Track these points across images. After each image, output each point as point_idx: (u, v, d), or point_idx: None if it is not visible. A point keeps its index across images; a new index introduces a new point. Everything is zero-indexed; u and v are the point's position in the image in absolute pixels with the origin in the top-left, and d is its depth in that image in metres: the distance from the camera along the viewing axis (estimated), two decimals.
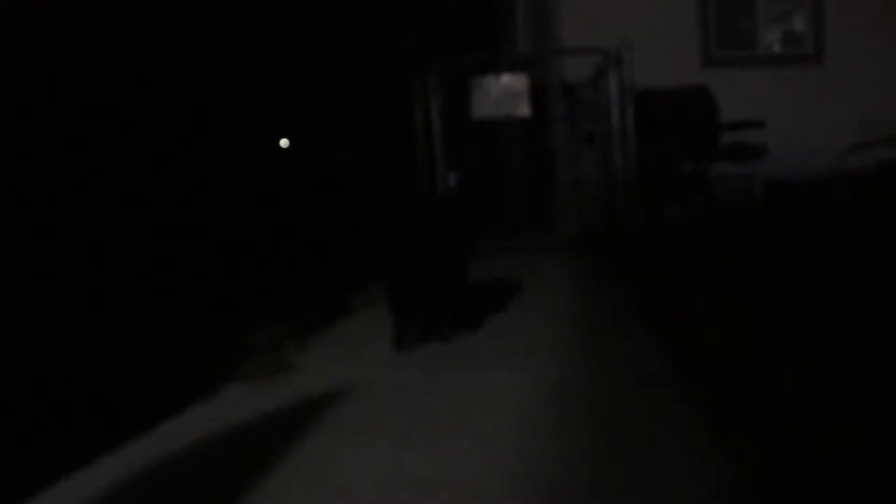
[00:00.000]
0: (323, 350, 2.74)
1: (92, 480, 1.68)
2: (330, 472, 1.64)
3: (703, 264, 4.26)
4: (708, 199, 5.93)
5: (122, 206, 2.47)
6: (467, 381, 2.26)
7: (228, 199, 3.13)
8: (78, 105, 2.30)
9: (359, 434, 1.87)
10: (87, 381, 2.11)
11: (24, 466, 1.73)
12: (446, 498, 1.48)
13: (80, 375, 2.10)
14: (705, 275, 3.91)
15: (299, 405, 2.14)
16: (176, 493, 1.62)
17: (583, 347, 2.59)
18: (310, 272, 3.54)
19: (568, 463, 1.60)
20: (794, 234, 5.13)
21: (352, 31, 4.76)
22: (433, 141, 5.50)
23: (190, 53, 2.88)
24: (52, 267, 2.15)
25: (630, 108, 5.43)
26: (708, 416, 1.80)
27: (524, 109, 5.62)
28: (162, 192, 2.67)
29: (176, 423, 2.05)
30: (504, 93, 5.59)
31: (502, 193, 5.84)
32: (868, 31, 6.67)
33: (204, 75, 3.04)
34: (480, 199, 5.71)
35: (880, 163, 5.95)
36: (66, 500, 1.60)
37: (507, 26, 6.27)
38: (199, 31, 2.96)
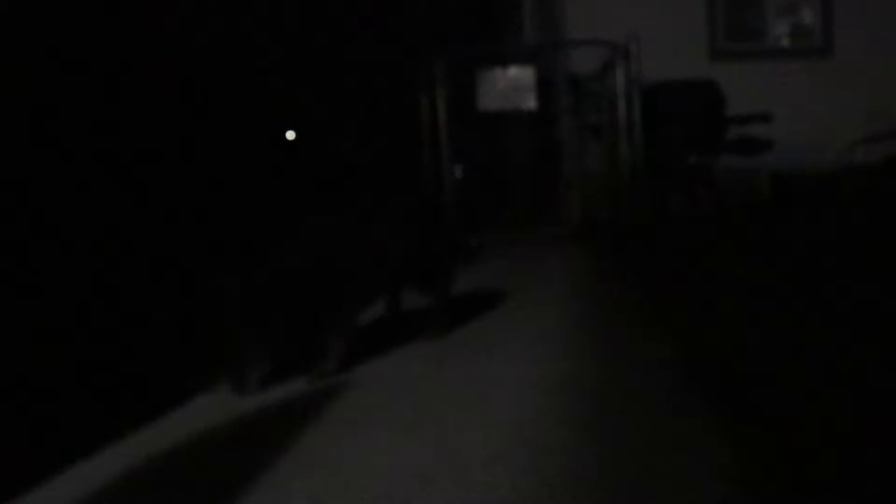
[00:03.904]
0: None
1: (97, 469, 1.62)
2: (333, 462, 1.58)
3: (708, 257, 4.19)
4: (714, 192, 5.87)
5: (131, 198, 2.41)
6: (471, 372, 2.19)
7: (234, 192, 3.08)
8: (76, 102, 2.24)
9: (362, 425, 1.81)
10: (91, 371, 2.06)
11: (28, 457, 1.68)
12: (450, 489, 1.41)
13: (84, 365, 2.06)
14: (711, 268, 3.84)
15: (302, 396, 2.08)
16: (179, 483, 1.56)
17: (588, 339, 2.52)
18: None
19: (573, 455, 1.53)
20: (801, 229, 5.07)
21: (357, 20, 4.70)
22: (439, 133, 5.44)
23: (181, 36, 2.80)
24: (59, 259, 2.10)
25: (636, 101, 5.37)
26: (715, 409, 1.74)
27: (530, 102, 5.54)
28: (169, 186, 2.61)
29: (179, 413, 1.99)
30: (510, 85, 5.52)
31: (507, 185, 5.79)
32: (877, 24, 6.57)
33: (201, 64, 2.97)
34: (485, 191, 5.65)
35: (889, 156, 5.88)
36: (72, 489, 1.55)
37: (513, 18, 6.19)
38: (194, 16, 2.89)
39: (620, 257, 4.44)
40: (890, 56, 6.53)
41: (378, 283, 2.49)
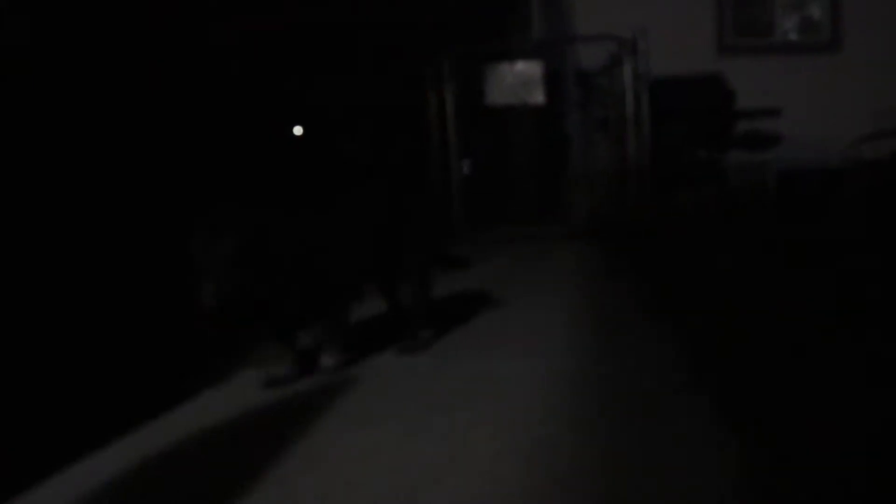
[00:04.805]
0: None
1: (103, 464, 1.63)
2: (341, 456, 1.58)
3: (716, 253, 4.17)
4: (722, 187, 5.83)
5: (145, 193, 2.41)
6: (479, 366, 2.18)
7: (241, 188, 3.06)
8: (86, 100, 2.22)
9: (370, 418, 1.80)
10: (98, 367, 2.06)
11: (35, 452, 1.68)
12: (457, 483, 1.40)
13: (91, 361, 2.05)
14: (718, 264, 3.82)
15: (310, 389, 2.08)
16: (187, 478, 1.56)
17: (596, 335, 2.51)
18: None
19: (581, 450, 1.52)
20: (809, 224, 5.04)
21: (366, 17, 4.68)
22: (447, 128, 5.43)
23: (192, 29, 2.78)
24: (70, 250, 2.10)
25: (644, 95, 5.34)
26: (723, 406, 1.73)
27: (538, 97, 5.52)
28: (176, 180, 2.60)
29: (188, 408, 1.99)
30: (518, 80, 5.49)
31: (515, 180, 5.77)
32: (885, 19, 6.51)
33: (212, 59, 2.96)
34: (492, 186, 5.63)
35: None
36: (78, 484, 1.55)
37: (521, 13, 6.17)
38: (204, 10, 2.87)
39: (626, 253, 4.42)
40: None
41: (350, 282, 2.33)
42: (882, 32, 6.48)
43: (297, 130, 4.18)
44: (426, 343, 2.40)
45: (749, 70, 6.11)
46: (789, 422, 1.58)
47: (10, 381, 1.80)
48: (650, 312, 2.75)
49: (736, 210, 5.68)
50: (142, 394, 2.03)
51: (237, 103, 3.17)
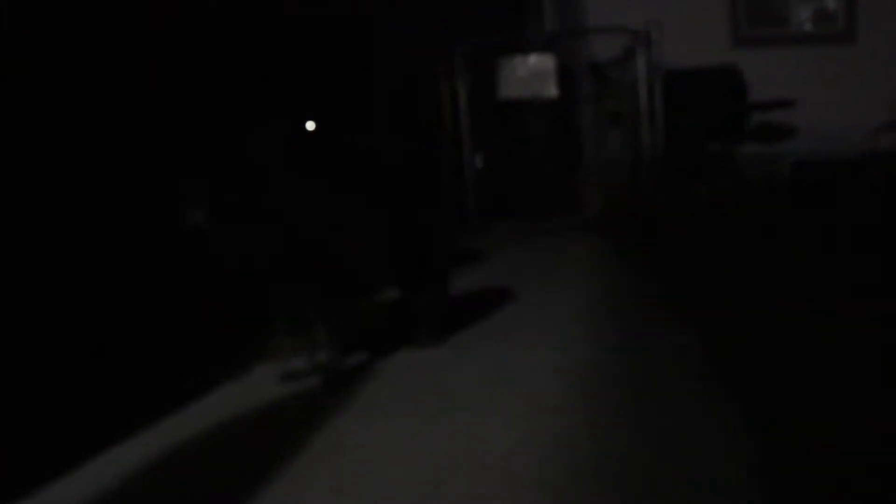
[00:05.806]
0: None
1: (122, 458, 1.64)
2: (356, 448, 1.58)
3: (729, 245, 4.15)
4: (735, 179, 5.80)
5: (167, 180, 2.40)
6: (495, 359, 2.17)
7: (251, 183, 3.05)
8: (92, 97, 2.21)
9: (385, 411, 1.80)
10: (117, 359, 2.07)
11: (55, 445, 1.70)
12: (473, 476, 1.40)
13: (111, 354, 2.06)
14: (732, 256, 3.80)
15: (323, 384, 2.09)
16: (203, 471, 1.57)
17: (611, 327, 2.50)
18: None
19: (597, 443, 1.52)
20: (823, 216, 5.00)
21: (375, 10, 4.67)
22: (459, 121, 5.42)
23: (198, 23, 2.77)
24: (89, 240, 2.10)
25: (658, 88, 5.32)
26: (736, 400, 1.72)
27: (551, 89, 5.49)
28: (193, 167, 2.60)
29: (204, 402, 2.00)
30: (531, 73, 5.46)
31: (528, 173, 5.75)
32: None
33: (220, 48, 2.95)
34: (506, 179, 5.62)
35: None
36: (98, 477, 1.56)
37: (534, 6, 6.14)
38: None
39: (640, 246, 4.41)
40: None
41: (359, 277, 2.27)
42: None
43: (310, 125, 4.18)
44: (440, 336, 2.39)
45: (763, 61, 6.06)
46: (803, 416, 1.57)
47: (29, 376, 1.82)
48: (663, 305, 2.74)
49: (750, 202, 5.65)
50: (159, 388, 2.04)
51: (253, 96, 3.17)
